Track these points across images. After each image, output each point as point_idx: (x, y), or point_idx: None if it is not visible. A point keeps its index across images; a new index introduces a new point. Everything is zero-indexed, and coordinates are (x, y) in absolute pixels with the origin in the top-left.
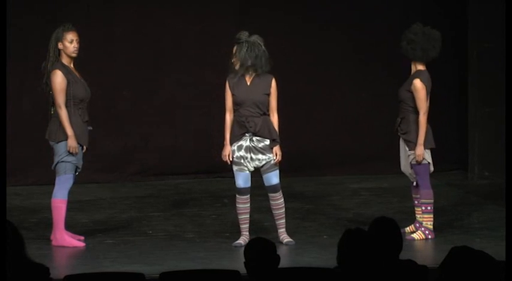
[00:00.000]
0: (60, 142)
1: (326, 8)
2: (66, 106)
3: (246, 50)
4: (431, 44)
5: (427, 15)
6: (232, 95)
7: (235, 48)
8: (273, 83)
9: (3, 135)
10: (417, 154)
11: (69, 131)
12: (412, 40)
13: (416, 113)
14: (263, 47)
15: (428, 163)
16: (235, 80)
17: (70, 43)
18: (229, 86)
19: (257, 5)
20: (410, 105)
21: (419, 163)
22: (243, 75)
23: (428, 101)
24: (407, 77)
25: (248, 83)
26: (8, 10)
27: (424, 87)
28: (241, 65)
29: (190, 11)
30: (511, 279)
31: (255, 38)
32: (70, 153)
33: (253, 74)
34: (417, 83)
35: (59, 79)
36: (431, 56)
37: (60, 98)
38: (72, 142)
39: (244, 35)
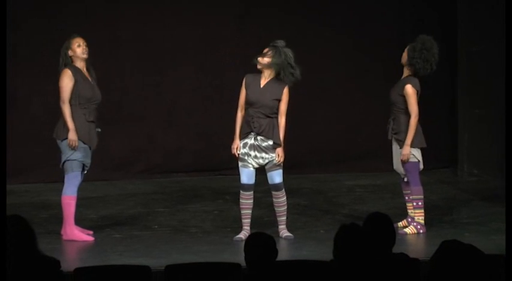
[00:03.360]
0: (64, 139)
1: (323, 13)
2: (71, 104)
3: (282, 55)
4: (435, 62)
5: (419, 19)
6: (246, 93)
7: (268, 49)
8: (285, 90)
9: (3, 136)
10: (403, 153)
11: (71, 125)
12: (427, 60)
13: (407, 114)
14: (292, 58)
15: (418, 161)
16: (252, 79)
17: (78, 47)
18: (246, 84)
19: (257, 10)
20: (401, 108)
21: (405, 162)
22: (260, 76)
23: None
24: (399, 78)
25: (262, 85)
26: (17, 14)
27: (415, 92)
28: (270, 66)
29: (192, 16)
30: (511, 277)
31: (288, 50)
32: (73, 149)
33: (270, 78)
34: (409, 88)
35: (66, 76)
36: (430, 72)
37: (64, 94)
38: (72, 136)
39: (280, 42)
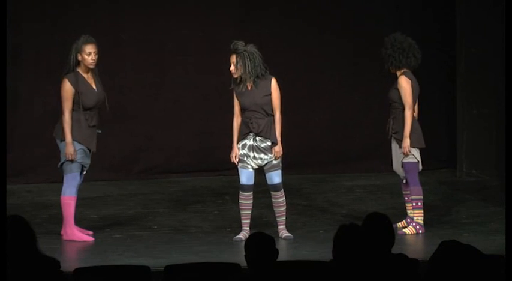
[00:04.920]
0: (64, 140)
1: (321, 15)
2: (74, 109)
3: (250, 61)
4: (416, 50)
5: (418, 19)
6: (239, 101)
7: (235, 58)
8: (273, 83)
9: (3, 136)
10: (404, 145)
11: (68, 137)
12: (403, 49)
13: None
14: (259, 54)
15: (418, 161)
16: (239, 87)
17: (88, 56)
18: (236, 94)
19: (256, 13)
20: (401, 104)
21: (406, 155)
22: (245, 82)
23: (416, 103)
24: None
25: (249, 88)
26: (20, 16)
27: (409, 81)
28: (246, 76)
29: (192, 18)
30: (511, 277)
31: (251, 48)
32: (69, 160)
33: (252, 79)
34: (402, 79)
35: (65, 87)
36: (419, 62)
37: (65, 105)
38: (68, 149)
39: (240, 44)
